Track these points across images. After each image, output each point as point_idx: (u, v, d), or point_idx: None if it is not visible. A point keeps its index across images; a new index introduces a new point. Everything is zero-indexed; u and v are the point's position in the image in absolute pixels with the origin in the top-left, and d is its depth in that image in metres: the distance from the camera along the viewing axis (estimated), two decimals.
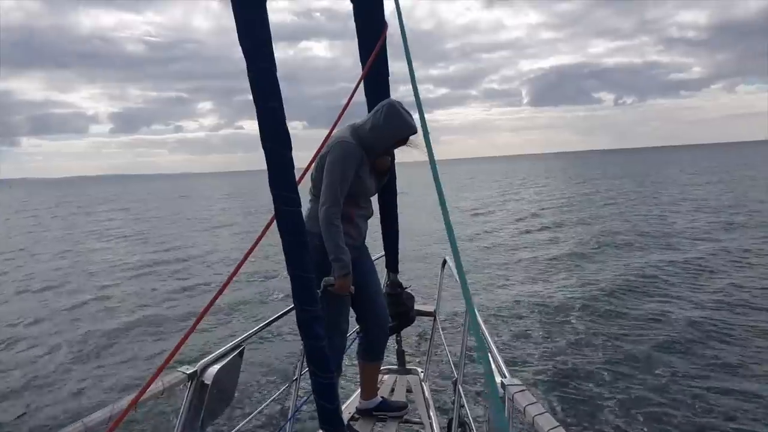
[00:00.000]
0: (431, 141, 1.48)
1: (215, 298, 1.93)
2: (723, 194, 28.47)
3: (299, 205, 1.97)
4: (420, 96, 1.57)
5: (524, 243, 16.99)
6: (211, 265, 16.13)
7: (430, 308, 3.77)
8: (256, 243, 2.08)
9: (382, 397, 3.19)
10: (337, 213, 2.58)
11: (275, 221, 1.96)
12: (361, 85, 2.78)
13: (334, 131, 2.66)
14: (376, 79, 2.89)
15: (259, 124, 1.86)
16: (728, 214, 20.19)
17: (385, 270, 3.39)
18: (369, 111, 2.98)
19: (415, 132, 2.68)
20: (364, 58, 2.81)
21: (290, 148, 1.94)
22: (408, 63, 1.64)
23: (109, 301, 12.22)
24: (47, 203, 64.03)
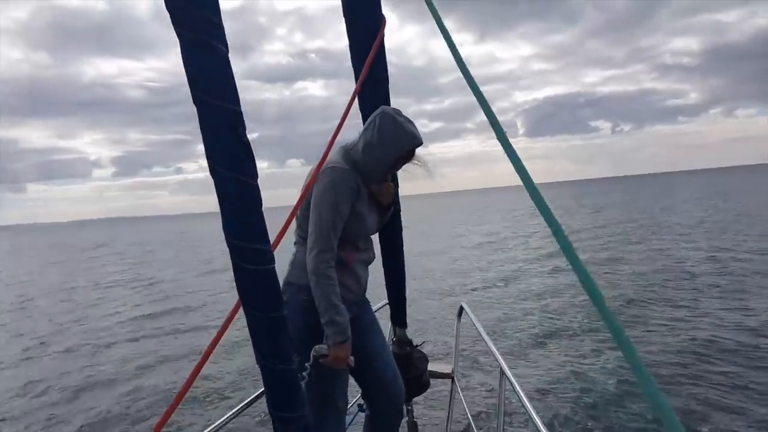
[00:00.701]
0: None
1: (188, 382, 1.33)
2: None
3: (272, 261, 1.38)
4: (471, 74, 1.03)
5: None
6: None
7: (446, 368, 3.10)
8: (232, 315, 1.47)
9: None
10: (330, 260, 1.99)
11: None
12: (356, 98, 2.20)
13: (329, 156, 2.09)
14: (373, 86, 2.30)
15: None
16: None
17: (389, 323, 2.75)
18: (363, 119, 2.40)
19: (420, 143, 2.09)
20: (357, 61, 2.25)
21: (255, 175, 1.36)
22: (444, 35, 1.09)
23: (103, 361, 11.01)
24: (41, 251, 63.05)
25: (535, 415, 1.80)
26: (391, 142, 2.05)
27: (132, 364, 10.23)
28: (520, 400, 1.95)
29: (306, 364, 1.95)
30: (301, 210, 2.10)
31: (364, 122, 2.42)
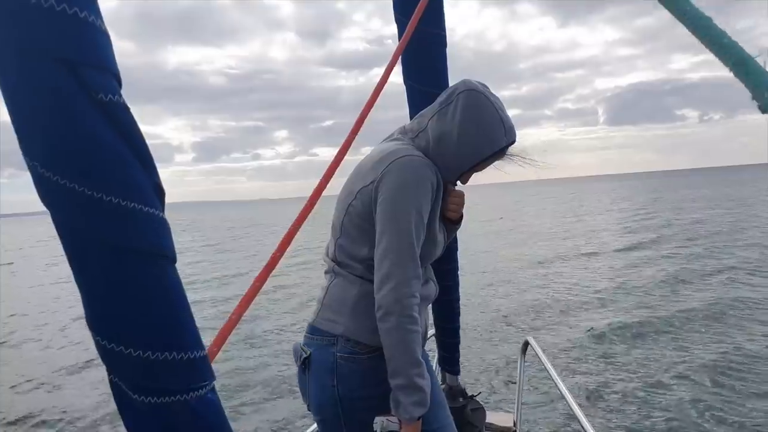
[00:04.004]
0: None
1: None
2: None
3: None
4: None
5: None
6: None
7: (507, 421, 2.48)
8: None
9: None
10: (417, 293, 1.39)
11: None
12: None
13: (379, 147, 1.56)
14: (424, 45, 1.73)
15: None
16: None
17: (437, 367, 2.17)
18: (409, 100, 1.84)
19: (515, 139, 1.50)
20: (404, 12, 1.68)
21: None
22: None
23: None
24: None
25: None
26: (486, 132, 1.46)
27: None
28: None
29: None
30: (340, 225, 1.52)
31: (410, 96, 1.85)
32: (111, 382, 0.64)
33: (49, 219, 0.62)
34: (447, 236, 1.66)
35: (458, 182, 1.59)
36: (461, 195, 1.65)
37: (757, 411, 5.96)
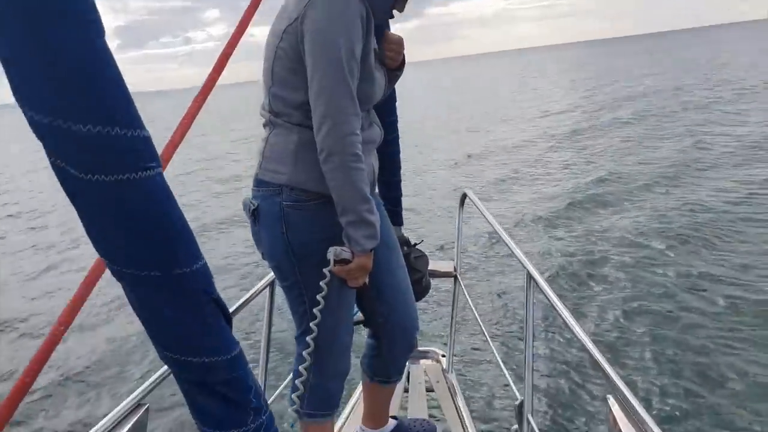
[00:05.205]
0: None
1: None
2: None
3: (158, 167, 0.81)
4: None
5: None
6: None
7: (448, 267, 2.66)
8: None
9: (396, 418, 2.08)
10: (357, 130, 1.39)
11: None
12: None
13: None
14: None
15: None
16: None
17: None
18: None
19: None
20: None
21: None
22: None
23: None
24: None
25: (568, 317, 1.37)
26: None
27: None
28: (548, 299, 1.51)
29: (322, 282, 1.46)
30: (271, 72, 1.47)
31: None
32: (55, 166, 0.63)
33: None
34: (388, 82, 1.65)
35: (394, 12, 1.55)
36: (400, 40, 1.62)
37: None
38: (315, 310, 1.49)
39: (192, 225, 0.73)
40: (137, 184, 0.64)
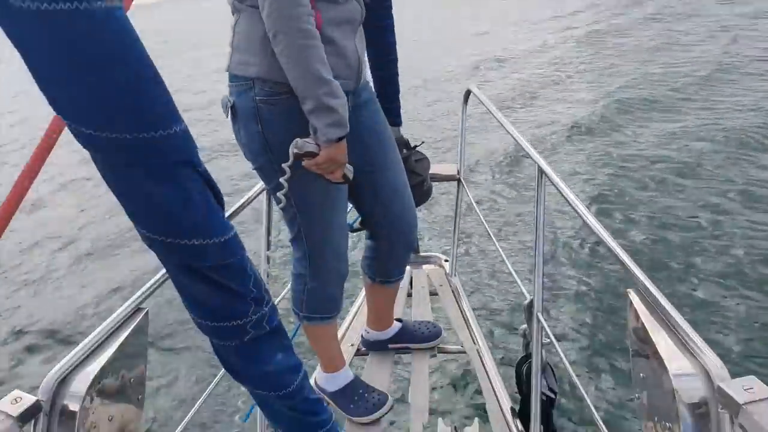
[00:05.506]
0: None
1: None
2: None
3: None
4: None
5: None
6: None
7: (451, 169, 2.52)
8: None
9: (401, 320, 2.07)
10: (303, 3, 1.22)
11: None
12: None
13: None
14: None
15: None
16: None
17: None
18: None
19: None
20: None
21: None
22: None
23: None
24: None
25: (583, 211, 1.27)
26: None
27: None
28: (561, 192, 1.39)
29: (282, 179, 1.35)
30: None
31: None
32: None
33: None
34: None
35: None
36: None
37: None
38: (279, 206, 1.44)
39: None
40: (90, 15, 0.53)
